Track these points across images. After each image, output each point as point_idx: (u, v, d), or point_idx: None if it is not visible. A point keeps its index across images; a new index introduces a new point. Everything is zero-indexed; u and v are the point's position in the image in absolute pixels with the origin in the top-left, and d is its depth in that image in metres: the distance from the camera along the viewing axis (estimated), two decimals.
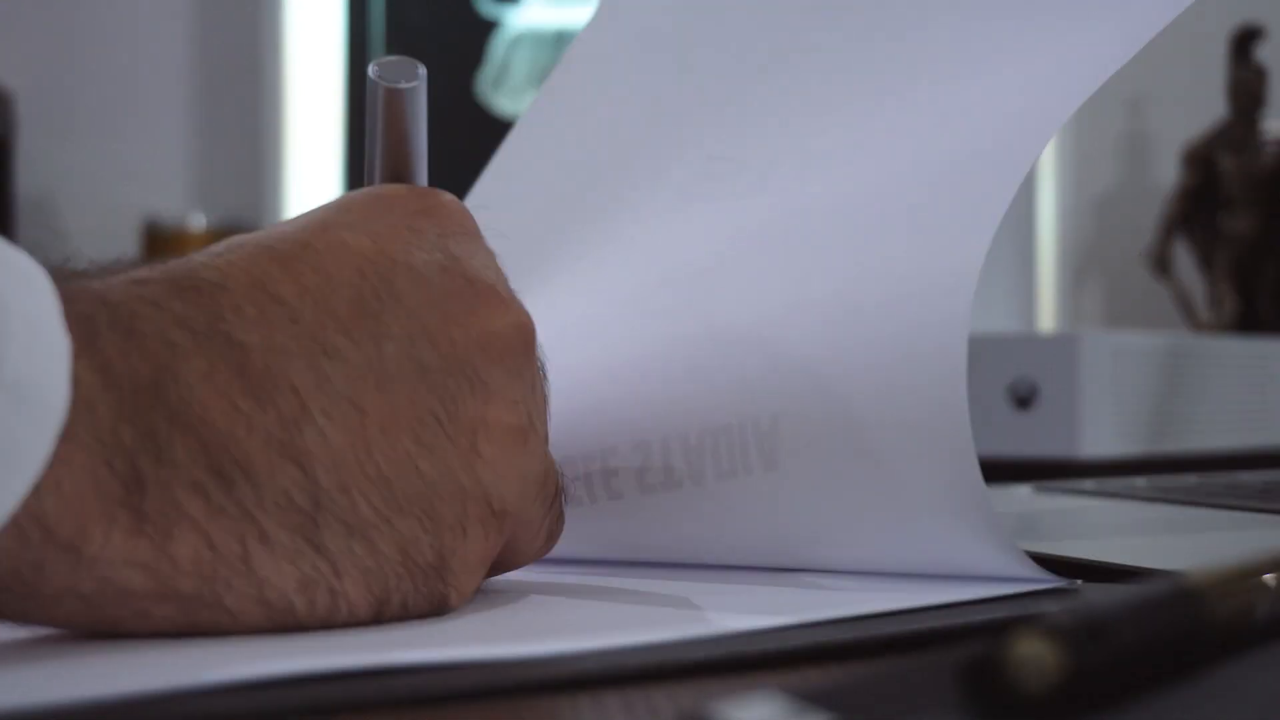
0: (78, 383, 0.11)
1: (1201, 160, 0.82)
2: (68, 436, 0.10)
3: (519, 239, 0.21)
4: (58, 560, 0.11)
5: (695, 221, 0.18)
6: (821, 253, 0.16)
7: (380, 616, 0.12)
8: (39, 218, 0.75)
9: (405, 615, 0.12)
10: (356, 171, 0.78)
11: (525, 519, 0.14)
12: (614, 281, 0.18)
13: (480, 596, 0.15)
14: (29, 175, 0.73)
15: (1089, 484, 0.29)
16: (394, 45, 0.78)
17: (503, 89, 0.78)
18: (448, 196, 0.14)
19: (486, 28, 0.78)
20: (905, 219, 0.16)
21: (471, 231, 0.14)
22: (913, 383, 0.15)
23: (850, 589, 0.15)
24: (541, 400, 0.14)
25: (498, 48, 0.79)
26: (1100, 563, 0.16)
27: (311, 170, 0.78)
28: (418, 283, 0.13)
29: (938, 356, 0.14)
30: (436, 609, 0.13)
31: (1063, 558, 0.16)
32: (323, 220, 0.13)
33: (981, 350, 0.48)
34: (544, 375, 0.15)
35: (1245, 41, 0.81)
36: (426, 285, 0.13)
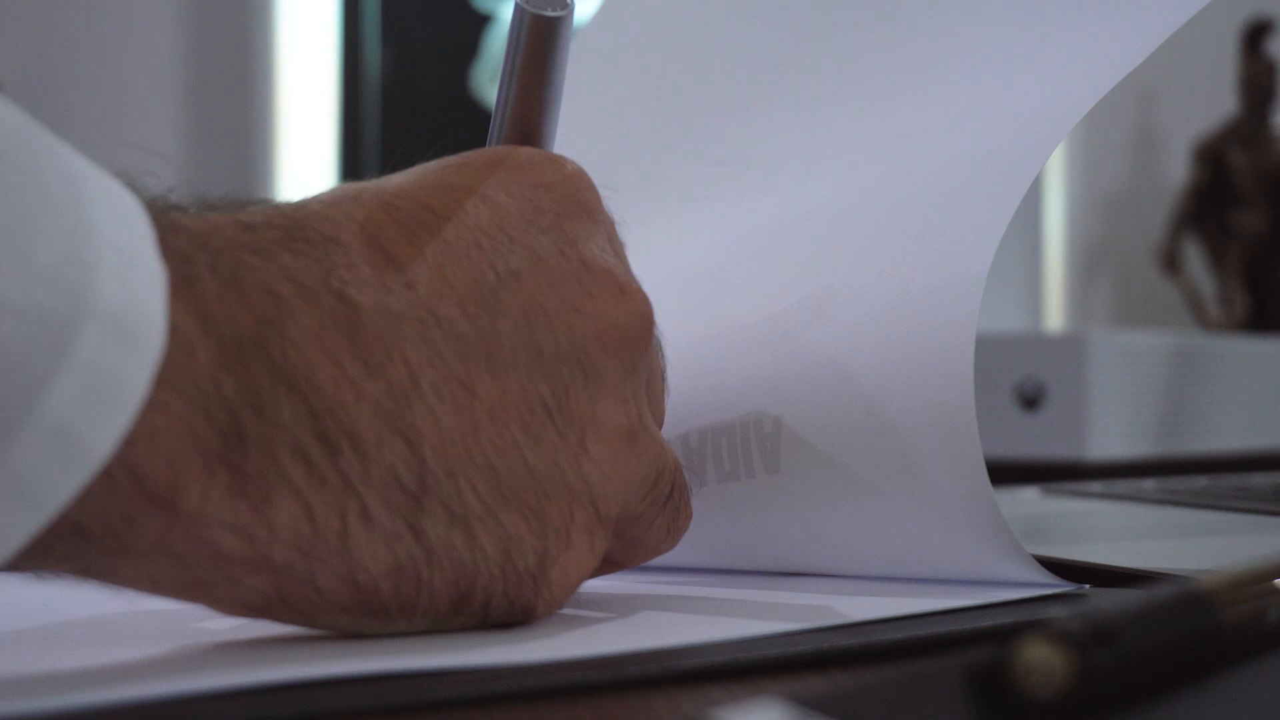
0: (174, 324, 0.10)
1: (1212, 156, 0.81)
2: (164, 379, 0.09)
3: None
4: (150, 514, 0.10)
5: (700, 221, 0.18)
6: (827, 253, 0.16)
7: (456, 612, 0.12)
8: None
9: (484, 616, 0.12)
10: (350, 166, 0.77)
11: (632, 515, 0.13)
12: None
13: None
14: None
15: (1097, 486, 0.29)
16: (388, 39, 0.78)
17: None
18: (571, 168, 0.13)
19: (482, 21, 0.78)
20: (912, 220, 0.16)
21: (591, 210, 0.13)
22: (919, 384, 0.14)
23: (854, 593, 0.15)
24: (658, 393, 0.13)
25: (494, 41, 0.79)
26: (1108, 567, 0.16)
27: (303, 166, 0.78)
28: (535, 264, 0.12)
29: (944, 358, 0.14)
30: (519, 618, 0.12)
31: (1070, 562, 0.16)
32: (442, 181, 0.12)
33: (988, 350, 0.48)
34: (662, 356, 0.14)
35: (1256, 35, 0.80)
36: (544, 267, 0.12)
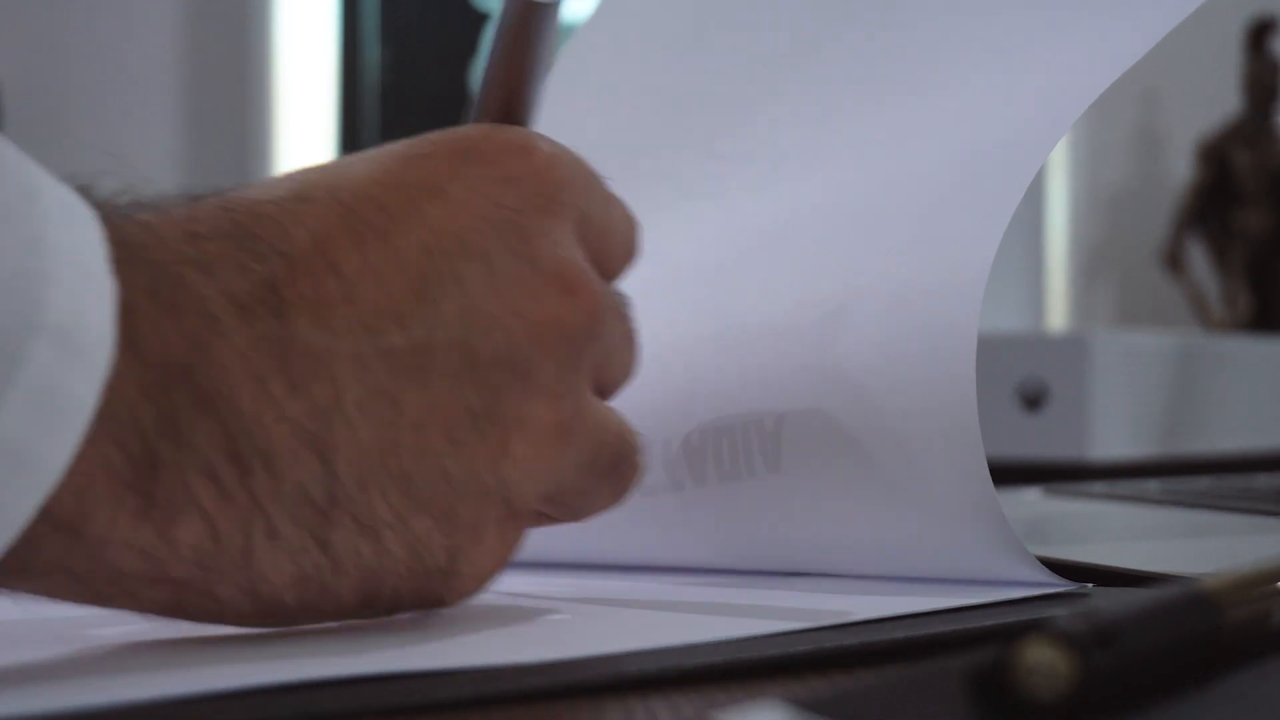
0: None
1: (1215, 155, 0.81)
2: None
3: None
4: (54, 539, 0.10)
5: (700, 219, 0.18)
6: (827, 252, 0.16)
7: (364, 611, 0.12)
8: None
9: (392, 612, 0.12)
10: None
11: (571, 489, 0.13)
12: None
13: (476, 603, 0.15)
14: None
15: (1100, 487, 0.29)
16: (388, 37, 0.78)
17: None
18: (540, 157, 0.13)
19: (482, 20, 0.78)
20: (913, 219, 0.16)
21: (554, 203, 0.13)
22: (920, 383, 0.14)
23: (855, 593, 0.15)
24: (616, 366, 0.13)
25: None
26: (1112, 568, 0.16)
27: (300, 162, 0.77)
28: (483, 267, 0.12)
29: (946, 357, 0.14)
30: (429, 608, 0.12)
31: (1073, 562, 0.16)
32: (402, 176, 0.12)
33: (990, 350, 0.47)
34: (628, 319, 0.14)
35: (1260, 34, 0.80)
36: (492, 271, 0.12)
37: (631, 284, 0.18)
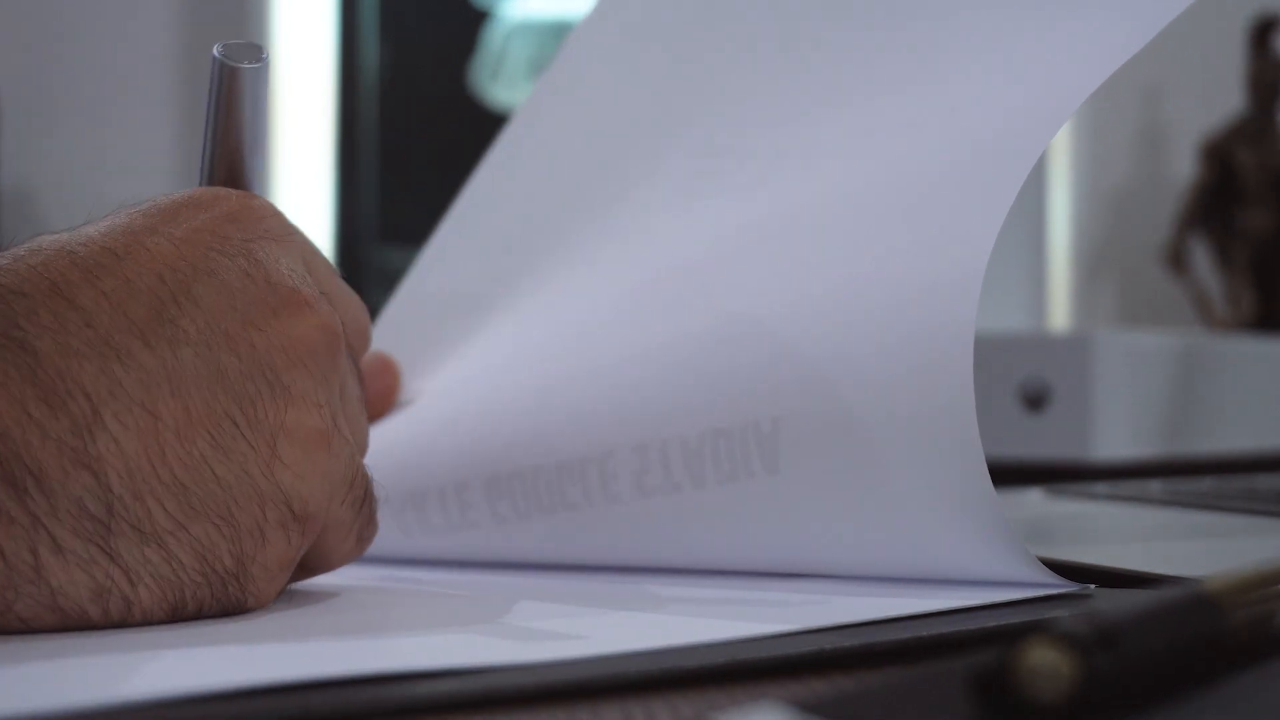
0: None
1: (1218, 154, 0.80)
2: None
3: (515, 237, 0.20)
4: None
5: (696, 218, 0.18)
6: (823, 249, 0.16)
7: (174, 619, 0.12)
8: (22, 210, 0.75)
9: (200, 618, 0.13)
10: (347, 163, 0.77)
11: (333, 521, 0.14)
12: (612, 279, 0.18)
13: (475, 602, 0.15)
14: (12, 167, 0.73)
15: (1102, 488, 0.29)
16: (386, 37, 0.78)
17: (499, 80, 0.78)
18: (258, 200, 0.14)
19: (480, 18, 0.78)
20: (908, 214, 0.16)
21: (279, 235, 0.14)
22: (918, 382, 0.14)
23: (855, 594, 0.15)
24: (354, 410, 0.14)
25: (494, 38, 0.79)
26: (1114, 569, 0.15)
27: (300, 164, 0.78)
28: (218, 288, 0.13)
29: (943, 355, 0.14)
30: (232, 613, 0.13)
31: (1075, 563, 0.16)
32: (128, 225, 0.13)
33: (991, 350, 0.47)
34: (357, 379, 0.15)
35: (1264, 32, 0.80)
36: (227, 291, 0.13)
37: (630, 284, 0.18)
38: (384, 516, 0.18)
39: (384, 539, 0.18)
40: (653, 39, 0.20)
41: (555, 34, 0.78)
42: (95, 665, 0.11)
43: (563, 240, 0.19)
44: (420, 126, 0.75)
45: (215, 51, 0.14)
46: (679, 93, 0.20)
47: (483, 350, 0.19)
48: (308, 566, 0.14)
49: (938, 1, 0.17)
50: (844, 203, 0.16)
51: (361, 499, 0.14)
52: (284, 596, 0.15)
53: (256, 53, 0.14)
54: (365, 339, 0.16)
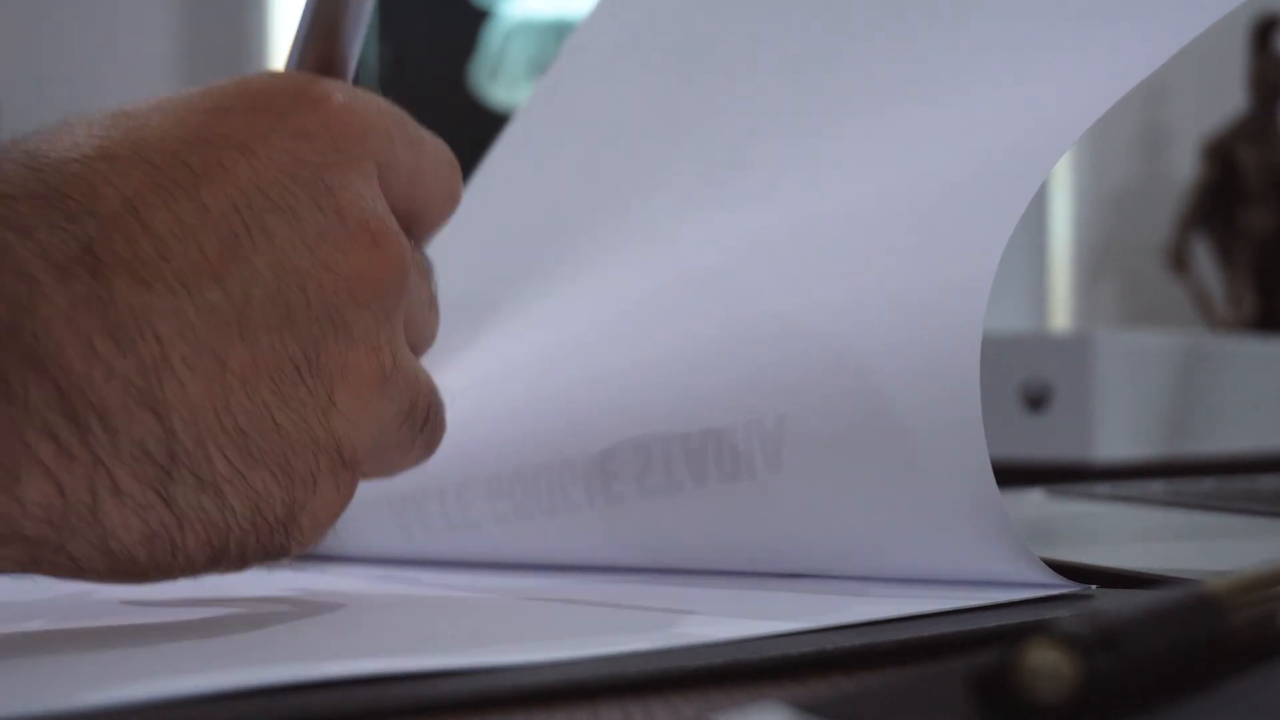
0: None
1: (1220, 153, 0.80)
2: None
3: (516, 239, 0.20)
4: None
5: (702, 223, 0.18)
6: (830, 254, 0.16)
7: (214, 566, 0.12)
8: None
9: (241, 565, 0.12)
10: None
11: (389, 443, 0.14)
12: (614, 281, 0.18)
13: (473, 601, 0.15)
14: None
15: (1103, 488, 0.29)
16: (385, 34, 0.77)
17: (498, 80, 0.77)
18: (334, 108, 0.13)
19: (480, 17, 0.77)
20: (917, 224, 0.16)
21: (353, 156, 0.13)
22: (923, 384, 0.14)
23: (856, 594, 0.15)
24: (422, 322, 0.14)
25: (493, 37, 0.78)
26: (1115, 569, 0.15)
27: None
28: (290, 222, 0.12)
29: (950, 358, 0.14)
30: (274, 559, 0.13)
31: (1077, 564, 0.16)
32: (200, 131, 0.12)
33: (993, 350, 0.47)
34: (432, 280, 0.14)
35: (1265, 31, 0.79)
36: (299, 225, 0.12)
37: (633, 286, 0.18)
38: (384, 516, 0.18)
39: (384, 539, 0.18)
40: (656, 43, 0.20)
41: (555, 34, 0.78)
42: (102, 666, 0.11)
43: (564, 242, 0.19)
44: (420, 124, 0.75)
45: None
46: (684, 98, 0.19)
47: (483, 352, 0.19)
48: (373, 474, 0.14)
49: (949, 14, 0.17)
50: (852, 210, 0.16)
51: (423, 419, 0.14)
52: (282, 595, 0.15)
53: None
54: (453, 198, 0.14)
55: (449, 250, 0.21)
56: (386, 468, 0.14)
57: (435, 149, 0.14)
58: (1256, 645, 0.10)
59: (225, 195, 0.12)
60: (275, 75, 0.13)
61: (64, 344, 0.11)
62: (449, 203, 0.15)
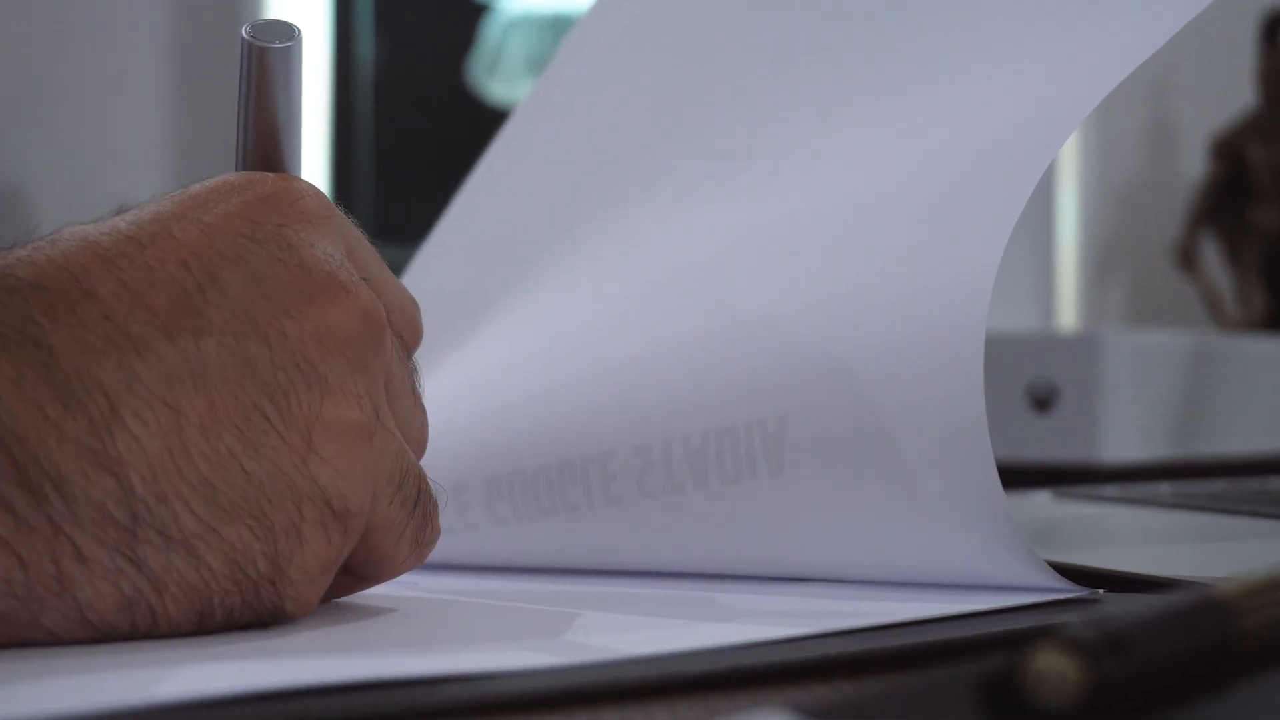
0: None
1: (1229, 150, 0.80)
2: None
3: (514, 236, 0.20)
4: None
5: (701, 219, 0.18)
6: (832, 250, 0.16)
7: (202, 630, 0.12)
8: (12, 208, 0.75)
9: (231, 627, 0.12)
10: (342, 158, 0.77)
11: (381, 523, 0.13)
12: (614, 278, 0.18)
13: (473, 606, 0.15)
14: (1, 165, 0.73)
15: (1111, 490, 0.29)
16: (381, 28, 0.77)
17: (497, 76, 0.77)
18: (297, 182, 0.13)
19: (478, 11, 0.77)
20: (920, 216, 0.15)
21: (317, 217, 0.13)
22: (927, 383, 0.14)
23: (860, 599, 0.14)
24: (404, 403, 0.13)
25: (491, 32, 0.78)
26: (1123, 572, 0.15)
27: None
28: (247, 275, 0.12)
29: (954, 357, 0.14)
30: (269, 621, 0.12)
31: (1084, 567, 0.15)
32: (155, 213, 0.12)
33: (998, 350, 0.47)
34: (414, 370, 0.14)
35: (1275, 27, 0.79)
36: (256, 277, 0.12)
37: (632, 283, 0.18)
38: None
39: None
40: (656, 37, 0.20)
41: (554, 28, 0.78)
42: (117, 669, 0.11)
43: (563, 239, 0.19)
44: (417, 122, 0.75)
45: (244, 32, 0.13)
46: (683, 93, 0.19)
47: (481, 350, 0.19)
48: (362, 574, 0.13)
49: (949, 6, 0.17)
50: (853, 204, 0.16)
51: (414, 499, 0.13)
52: None
53: (287, 31, 0.13)
54: (415, 332, 0.14)
55: (447, 248, 0.21)
56: (378, 557, 0.13)
57: (392, 276, 0.14)
58: (1266, 649, 0.10)
59: (174, 256, 0.12)
60: (238, 173, 0.13)
61: (15, 411, 0.11)
62: (413, 329, 0.14)
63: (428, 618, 0.14)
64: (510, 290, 0.19)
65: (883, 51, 0.18)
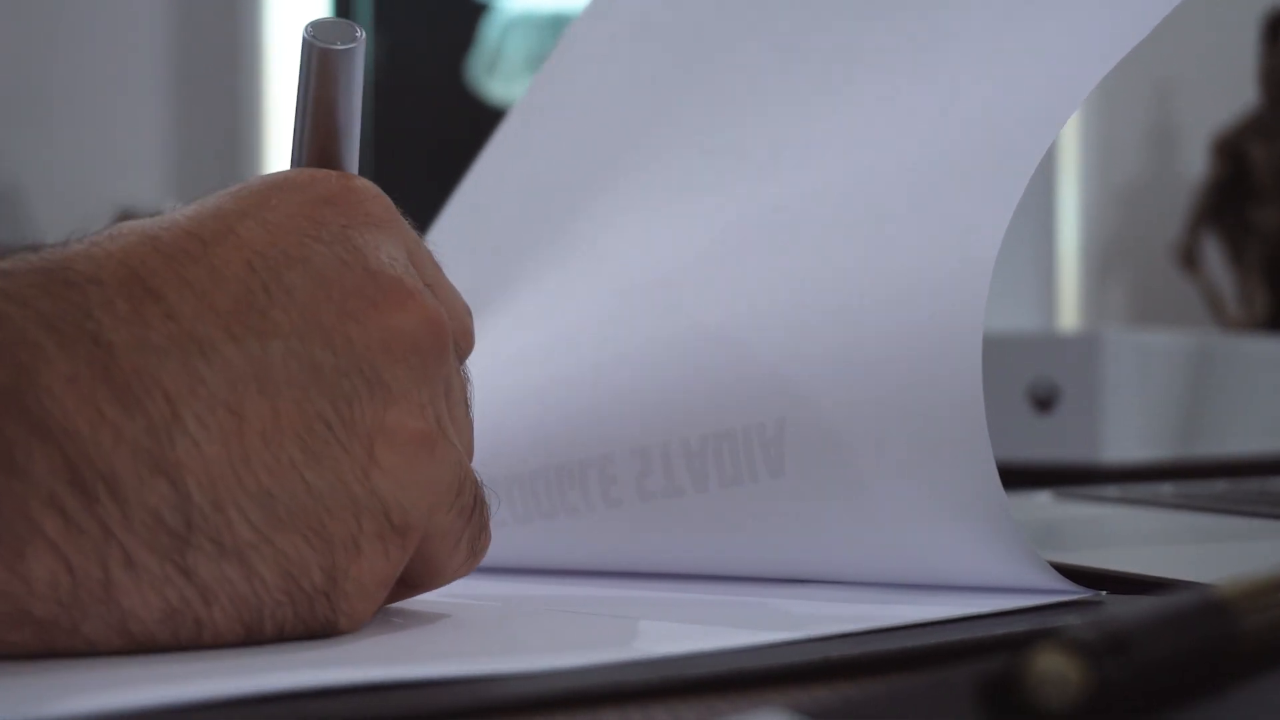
0: None
1: (1231, 150, 0.79)
2: None
3: (512, 235, 0.20)
4: None
5: (697, 216, 0.18)
6: (827, 248, 0.16)
7: (250, 642, 0.11)
8: (9, 208, 0.75)
9: (281, 640, 0.12)
10: None
11: (438, 531, 0.13)
12: (612, 278, 0.18)
13: (472, 609, 0.14)
14: (0, 164, 0.74)
15: (1112, 490, 0.29)
16: (381, 27, 0.77)
17: (496, 75, 0.77)
18: (360, 182, 0.13)
19: (478, 11, 0.77)
20: (913, 210, 0.15)
21: (382, 220, 0.13)
22: (925, 383, 0.14)
23: (861, 601, 0.14)
24: (460, 403, 0.13)
25: (490, 32, 0.78)
26: (1124, 573, 0.15)
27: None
28: (313, 277, 0.12)
29: (951, 354, 0.14)
30: (320, 635, 0.12)
31: (1085, 568, 0.15)
32: (216, 209, 0.12)
33: (1000, 350, 0.47)
34: (467, 379, 0.14)
35: (1276, 26, 0.79)
36: (322, 280, 0.12)
37: (631, 283, 0.18)
38: None
39: None
40: (650, 36, 0.20)
41: (553, 28, 0.77)
42: (97, 672, 0.11)
43: (561, 238, 0.19)
44: (416, 121, 0.75)
45: (305, 33, 0.13)
46: (678, 90, 0.19)
47: (479, 351, 0.19)
48: (414, 582, 0.13)
49: None
50: (848, 200, 0.16)
51: (471, 506, 0.13)
52: None
53: (350, 32, 0.13)
54: (469, 339, 0.14)
55: (445, 247, 0.21)
56: (432, 566, 0.13)
57: (450, 284, 0.14)
58: (1267, 650, 0.10)
59: (238, 256, 0.12)
60: (297, 169, 0.13)
61: (70, 409, 0.10)
62: (466, 337, 0.14)
63: (426, 622, 0.14)
64: (509, 290, 0.19)
65: (872, 45, 0.17)
